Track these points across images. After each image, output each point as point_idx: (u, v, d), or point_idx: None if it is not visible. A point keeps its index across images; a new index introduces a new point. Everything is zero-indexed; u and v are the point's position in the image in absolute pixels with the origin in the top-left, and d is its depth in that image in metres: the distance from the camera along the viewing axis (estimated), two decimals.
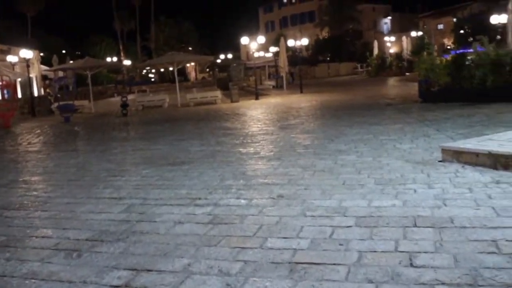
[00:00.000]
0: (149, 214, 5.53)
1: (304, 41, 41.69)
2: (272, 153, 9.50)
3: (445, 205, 5.03)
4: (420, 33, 54.28)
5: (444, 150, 7.36)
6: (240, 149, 10.30)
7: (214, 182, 6.98)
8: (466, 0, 68.62)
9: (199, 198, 6.04)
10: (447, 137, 10.05)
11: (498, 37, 21.20)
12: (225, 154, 9.80)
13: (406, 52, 52.15)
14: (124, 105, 24.48)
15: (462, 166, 6.86)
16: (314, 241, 4.20)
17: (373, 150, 8.85)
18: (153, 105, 29.29)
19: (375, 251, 3.88)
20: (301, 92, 31.76)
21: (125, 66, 61.34)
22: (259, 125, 15.32)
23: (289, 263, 3.79)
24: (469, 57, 20.32)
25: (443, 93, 19.28)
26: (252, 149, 10.26)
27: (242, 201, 5.78)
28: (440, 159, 7.39)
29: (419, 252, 3.79)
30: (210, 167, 8.34)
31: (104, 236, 4.89)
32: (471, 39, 37.19)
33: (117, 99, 34.94)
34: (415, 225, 4.45)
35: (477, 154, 6.83)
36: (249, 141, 11.63)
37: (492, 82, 17.87)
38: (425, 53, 22.69)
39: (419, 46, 34.44)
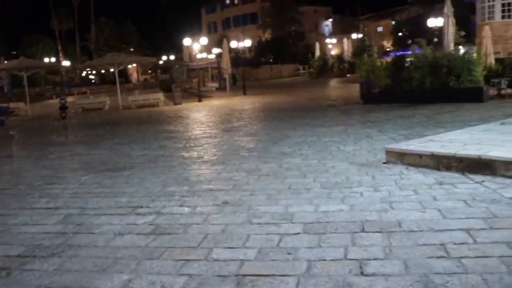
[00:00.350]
0: (87, 225, 5.20)
1: (247, 43, 41.69)
2: (215, 157, 9.31)
3: (392, 208, 5.00)
4: (360, 35, 55.44)
5: (388, 152, 7.39)
6: (183, 153, 10.04)
7: (156, 189, 6.71)
8: (404, 4, 70.58)
9: (141, 207, 5.76)
10: (389, 138, 10.16)
11: (435, 39, 21.79)
12: (168, 158, 9.52)
13: (347, 54, 53.10)
14: (63, 108, 23.61)
15: (406, 168, 6.90)
16: (261, 251, 4.04)
17: (317, 153, 8.81)
18: (94, 107, 28.44)
19: (324, 260, 3.76)
20: (244, 94, 31.67)
21: (64, 67, 59.42)
22: (202, 128, 15.08)
23: (236, 275, 3.61)
24: (408, 59, 20.83)
25: (383, 94, 19.65)
26: (195, 153, 10.03)
27: (186, 209, 5.55)
28: (384, 161, 7.41)
29: (369, 259, 3.70)
30: (152, 172, 8.06)
31: (37, 251, 4.54)
32: (410, 41, 38.30)
33: (55, 101, 33.68)
34: (363, 230, 4.38)
35: (420, 156, 6.89)
36: (192, 144, 11.38)
37: (430, 84, 18.37)
38: (366, 55, 23.06)
39: (360, 48, 35.10)
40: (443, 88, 18.15)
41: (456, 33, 20.06)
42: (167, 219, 5.19)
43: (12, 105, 27.58)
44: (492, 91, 18.62)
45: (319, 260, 3.75)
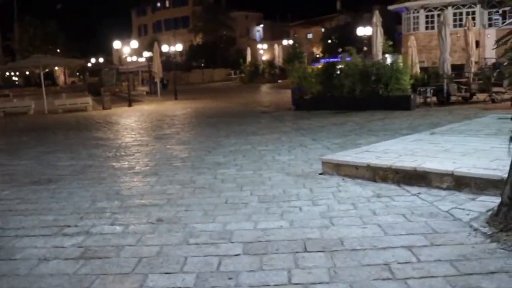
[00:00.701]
0: (7, 250, 4.72)
1: (179, 47, 41.15)
2: (148, 167, 8.96)
3: (333, 224, 4.90)
4: (291, 41, 56.12)
5: (324, 163, 7.34)
6: (114, 163, 9.61)
7: (85, 204, 6.31)
8: (334, 12, 72.21)
9: (68, 226, 5.35)
10: (324, 147, 10.19)
11: (365, 48, 22.29)
12: (97, 169, 9.07)
13: (278, 60, 53.56)
14: None
15: (343, 179, 6.86)
16: (200, 276, 3.80)
17: (252, 163, 8.66)
18: (17, 111, 26.98)
19: (267, 285, 3.57)
20: (176, 98, 31.21)
21: None
22: (133, 135, 14.59)
23: None
24: (338, 67, 21.19)
25: (315, 101, 19.87)
26: (126, 163, 9.63)
27: (118, 227, 5.20)
28: (321, 172, 7.36)
29: (314, 284, 3.55)
30: (81, 185, 7.61)
31: None
32: (341, 49, 39.12)
33: None
34: (305, 250, 4.23)
35: (356, 167, 6.87)
36: (123, 153, 10.95)
37: (360, 91, 18.73)
38: (297, 62, 23.28)
39: (291, 55, 35.43)
40: (372, 95, 18.55)
41: (385, 42, 20.57)
42: (97, 240, 4.83)
43: None
44: (419, 99, 19.24)
45: (262, 286, 3.57)
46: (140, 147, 11.84)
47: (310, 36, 71.27)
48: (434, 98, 19.35)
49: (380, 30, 21.15)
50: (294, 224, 4.96)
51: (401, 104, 17.97)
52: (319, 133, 12.46)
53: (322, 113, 17.94)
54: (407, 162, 6.55)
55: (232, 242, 4.51)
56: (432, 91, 19.31)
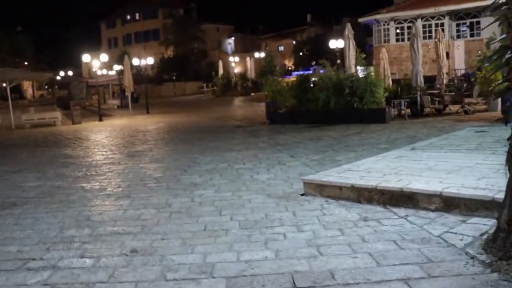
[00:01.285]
0: None
1: (150, 60, 40.66)
2: (120, 189, 8.52)
3: (321, 253, 4.58)
4: (263, 54, 56.07)
5: (306, 183, 7.04)
6: (84, 184, 9.14)
7: (52, 233, 5.85)
8: (304, 24, 72.64)
9: (33, 259, 4.90)
10: (303, 164, 9.91)
11: (338, 61, 22.22)
12: (66, 190, 8.60)
13: (251, 73, 53.46)
14: None
15: (326, 201, 6.57)
16: None
17: (230, 183, 8.31)
18: None
19: None
20: (148, 112, 30.73)
21: None
22: (104, 152, 14.10)
23: None
24: (312, 79, 21.07)
25: (290, 114, 19.68)
26: (97, 183, 9.17)
27: (88, 260, 4.77)
28: (302, 193, 7.06)
29: None
30: (48, 209, 7.14)
31: None
32: (314, 62, 39.13)
33: None
34: (294, 285, 3.90)
35: (340, 188, 6.59)
36: (93, 173, 10.47)
37: (334, 105, 18.61)
38: (271, 75, 23.09)
39: (265, 68, 35.21)
40: (347, 109, 18.45)
41: (359, 55, 20.53)
42: (65, 276, 4.40)
43: None
44: (393, 112, 19.20)
45: None
46: (112, 165, 11.37)
47: (281, 48, 71.50)
48: (408, 110, 19.35)
49: (352, 43, 21.11)
50: (279, 254, 4.63)
51: (376, 117, 17.91)
52: (296, 149, 12.19)
53: (297, 127, 17.74)
54: (393, 182, 6.29)
55: (214, 277, 4.14)
56: (406, 103, 19.32)
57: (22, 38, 73.35)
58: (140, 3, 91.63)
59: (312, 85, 20.05)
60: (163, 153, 13.12)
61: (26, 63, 74.03)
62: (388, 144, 12.21)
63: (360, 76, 19.76)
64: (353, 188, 6.43)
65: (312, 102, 19.35)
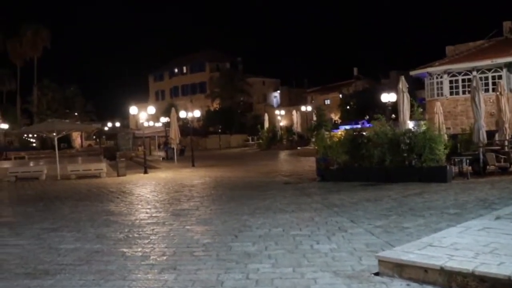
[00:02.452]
0: None
1: (196, 113, 40.59)
2: (165, 257, 7.61)
3: None
4: (309, 107, 55.52)
5: (382, 262, 5.97)
6: (125, 249, 8.30)
7: None
8: (350, 78, 72.12)
9: None
10: (366, 231, 8.84)
11: (393, 116, 21.22)
12: (105, 257, 7.77)
13: (297, 126, 52.80)
14: None
15: (408, 285, 5.49)
16: None
17: (289, 254, 7.30)
18: (29, 176, 26.01)
19: None
20: (193, 165, 30.13)
21: (1, 130, 56.28)
22: (148, 210, 13.33)
23: None
24: (364, 133, 20.07)
25: (342, 171, 18.64)
26: (139, 249, 8.31)
27: None
28: (376, 271, 5.99)
29: None
30: (82, 282, 6.31)
31: None
32: (367, 117, 38.02)
33: None
34: None
35: (425, 270, 5.50)
36: (136, 235, 9.65)
37: (390, 162, 17.50)
38: (323, 130, 22.21)
39: (316, 122, 34.21)
40: (404, 166, 17.31)
41: (416, 109, 19.48)
42: None
43: None
44: (454, 170, 17.91)
45: None
46: (156, 226, 10.53)
47: (327, 102, 70.86)
48: (469, 168, 18.01)
49: (406, 96, 20.12)
50: None
51: (436, 175, 16.69)
52: (355, 212, 11.10)
53: (351, 185, 16.67)
54: (494, 267, 5.17)
55: None
56: (467, 161, 18.02)
57: (73, 89, 75.45)
58: (187, 57, 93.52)
59: (366, 141, 18.99)
60: (210, 212, 12.21)
61: (76, 113, 75.86)
62: (458, 208, 11.00)
63: (415, 130, 18.60)
64: (442, 271, 5.34)
65: (366, 158, 18.31)
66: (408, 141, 17.55)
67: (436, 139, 17.58)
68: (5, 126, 60.49)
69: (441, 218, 9.78)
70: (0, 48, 72.51)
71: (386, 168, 17.44)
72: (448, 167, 17.00)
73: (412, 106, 20.07)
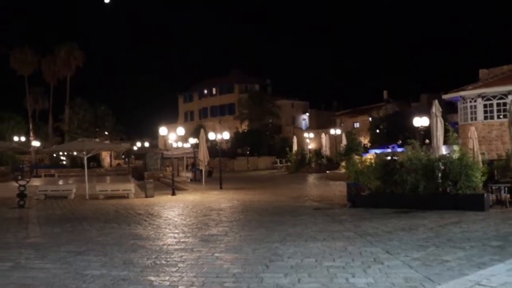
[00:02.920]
0: None
1: (226, 135, 40.54)
2: None
3: None
4: (338, 130, 54.96)
5: None
6: (152, 278, 8.03)
7: None
8: (380, 101, 71.38)
9: None
10: (404, 264, 8.42)
11: (427, 141, 20.69)
12: (132, 285, 7.52)
13: (325, 149, 52.27)
14: (21, 195, 21.36)
15: None
16: None
17: None
18: (58, 195, 26.12)
19: None
20: (221, 188, 29.89)
21: (33, 147, 57.14)
22: (176, 234, 13.07)
23: None
24: (395, 158, 19.56)
25: (373, 197, 18.19)
26: (167, 277, 8.03)
27: None
28: None
29: None
30: None
31: None
32: (400, 142, 37.24)
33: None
34: None
35: None
36: (163, 261, 9.37)
37: (424, 188, 16.99)
38: (354, 155, 21.76)
39: (347, 146, 33.57)
40: (438, 193, 16.79)
41: (452, 134, 18.93)
42: None
43: None
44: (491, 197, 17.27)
45: None
46: (184, 253, 10.24)
47: (357, 125, 70.20)
48: (508, 196, 17.33)
49: (440, 121, 19.63)
50: None
51: (473, 203, 16.14)
52: (390, 242, 10.65)
53: (383, 212, 16.20)
54: None
55: None
56: (506, 188, 17.36)
57: (104, 108, 76.47)
58: (217, 78, 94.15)
59: (398, 166, 18.47)
60: (240, 239, 11.87)
61: (106, 132, 76.79)
62: (501, 240, 10.47)
63: (451, 156, 18.02)
64: None
65: (398, 184, 17.80)
66: (443, 167, 17.05)
67: (473, 165, 17.03)
68: (36, 143, 61.47)
69: (483, 251, 9.28)
70: (35, 67, 74.19)
71: (420, 195, 16.94)
72: (485, 195, 16.42)
73: (447, 131, 19.56)
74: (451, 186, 16.66)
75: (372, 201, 18.02)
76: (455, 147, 20.72)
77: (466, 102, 34.14)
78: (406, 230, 12.48)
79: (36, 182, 33.06)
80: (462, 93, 34.31)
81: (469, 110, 34.01)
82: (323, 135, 53.90)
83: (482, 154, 26.73)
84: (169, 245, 11.34)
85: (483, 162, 23.02)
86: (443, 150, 20.44)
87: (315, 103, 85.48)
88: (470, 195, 16.39)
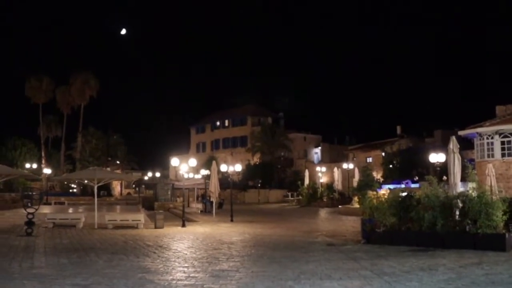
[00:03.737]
0: None
1: (237, 167, 40.24)
2: None
3: None
4: (351, 165, 54.41)
5: None
6: None
7: None
8: (393, 136, 70.87)
9: None
10: None
11: (444, 177, 20.19)
12: None
13: (337, 184, 51.70)
14: (29, 223, 20.95)
15: None
16: None
17: None
18: (66, 223, 25.72)
19: None
20: (232, 220, 29.39)
21: (44, 174, 57.15)
22: (185, 268, 12.59)
23: None
24: (411, 193, 19.04)
25: (389, 234, 17.65)
26: None
27: None
28: None
29: None
30: None
31: None
32: (416, 177, 36.58)
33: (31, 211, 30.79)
34: None
35: None
36: None
37: (442, 226, 16.44)
38: (369, 191, 21.26)
39: (363, 182, 32.87)
40: (457, 232, 16.24)
41: (471, 172, 18.41)
42: None
43: None
44: None
45: None
46: None
47: (369, 160, 69.55)
48: None
49: (458, 157, 19.18)
50: None
51: (493, 243, 15.59)
52: (409, 283, 10.15)
53: (399, 250, 15.67)
54: None
55: None
56: None
57: (116, 138, 76.71)
58: (229, 110, 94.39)
59: (415, 203, 17.94)
60: (252, 276, 11.38)
61: (118, 161, 76.83)
62: None
63: (470, 193, 17.49)
64: None
65: (415, 221, 17.26)
66: (461, 205, 16.54)
67: (493, 204, 16.48)
68: (48, 171, 61.61)
69: None
70: (50, 96, 74.94)
71: (437, 233, 16.40)
72: (507, 235, 15.83)
73: (464, 168, 19.07)
74: (470, 224, 16.11)
75: (387, 238, 17.50)
76: (472, 184, 20.20)
77: (483, 139, 33.63)
78: (425, 270, 11.96)
79: (45, 209, 32.79)
80: (479, 130, 33.86)
81: (486, 147, 33.47)
82: (335, 169, 53.40)
83: (500, 191, 26.14)
84: (178, 280, 10.89)
85: (503, 200, 22.46)
86: (461, 187, 19.92)
87: (327, 137, 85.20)
88: (491, 234, 15.81)
